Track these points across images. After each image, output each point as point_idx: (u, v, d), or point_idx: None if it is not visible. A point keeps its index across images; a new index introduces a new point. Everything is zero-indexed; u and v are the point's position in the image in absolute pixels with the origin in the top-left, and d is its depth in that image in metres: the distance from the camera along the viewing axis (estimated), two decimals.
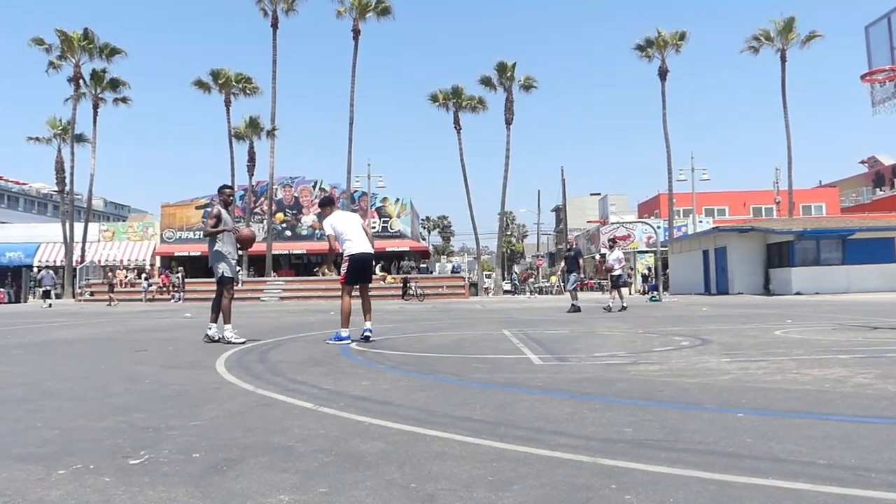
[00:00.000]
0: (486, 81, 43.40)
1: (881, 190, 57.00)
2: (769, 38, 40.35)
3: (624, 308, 16.69)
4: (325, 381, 4.96)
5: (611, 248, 18.72)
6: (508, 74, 42.78)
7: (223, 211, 8.64)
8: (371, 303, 8.40)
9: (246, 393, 4.47)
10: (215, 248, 8.50)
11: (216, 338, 8.42)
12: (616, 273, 17.48)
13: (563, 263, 17.62)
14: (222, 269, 8.46)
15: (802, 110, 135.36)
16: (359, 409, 3.80)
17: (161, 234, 49.08)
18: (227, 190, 8.93)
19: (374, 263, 8.69)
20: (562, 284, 18.64)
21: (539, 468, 2.57)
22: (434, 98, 44.13)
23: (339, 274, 8.27)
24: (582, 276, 17.27)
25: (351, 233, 8.10)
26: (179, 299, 34.69)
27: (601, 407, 3.77)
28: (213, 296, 8.59)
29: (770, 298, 24.19)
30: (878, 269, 27.62)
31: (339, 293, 8.30)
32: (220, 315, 8.46)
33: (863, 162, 65.99)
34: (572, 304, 16.39)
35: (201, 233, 48.05)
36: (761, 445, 2.83)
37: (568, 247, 18.09)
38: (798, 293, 26.50)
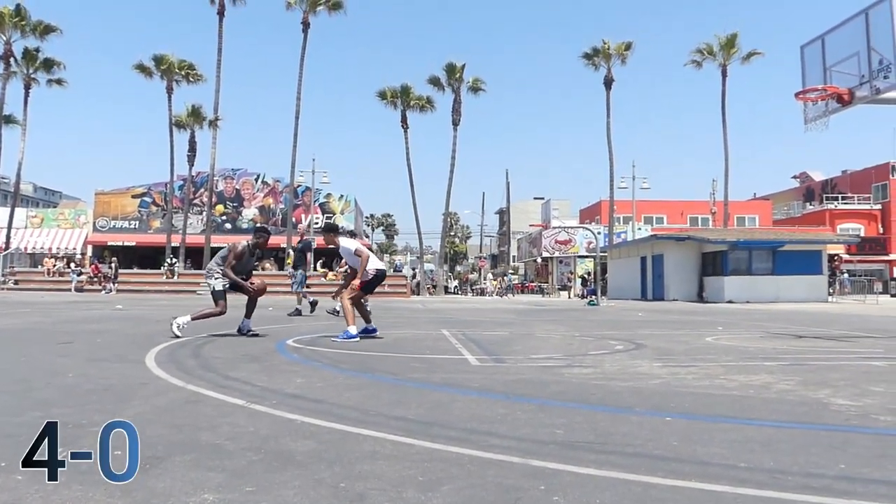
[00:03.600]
0: (434, 81, 43.44)
1: (811, 204, 59.33)
2: (712, 53, 41.45)
3: (337, 312, 13.76)
4: (258, 377, 4.87)
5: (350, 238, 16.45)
6: (457, 76, 42.92)
7: (248, 253, 8.77)
8: None
9: (175, 389, 4.35)
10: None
11: (245, 330, 8.58)
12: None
13: (291, 259, 15.14)
14: (213, 284, 8.63)
15: (740, 125, 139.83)
16: (291, 406, 3.74)
17: (94, 223, 47.47)
18: (266, 237, 9.01)
19: None
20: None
21: (470, 469, 2.57)
22: (382, 95, 43.94)
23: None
24: (309, 272, 14.98)
25: (370, 253, 8.70)
26: (111, 290, 33.62)
27: (534, 408, 3.81)
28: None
29: (703, 305, 24.90)
30: (806, 280, 28.73)
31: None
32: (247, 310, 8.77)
33: (795, 177, 68.59)
34: (300, 308, 14.35)
35: (137, 222, 46.76)
36: (686, 448, 2.90)
37: (300, 239, 15.61)
38: (730, 301, 27.34)
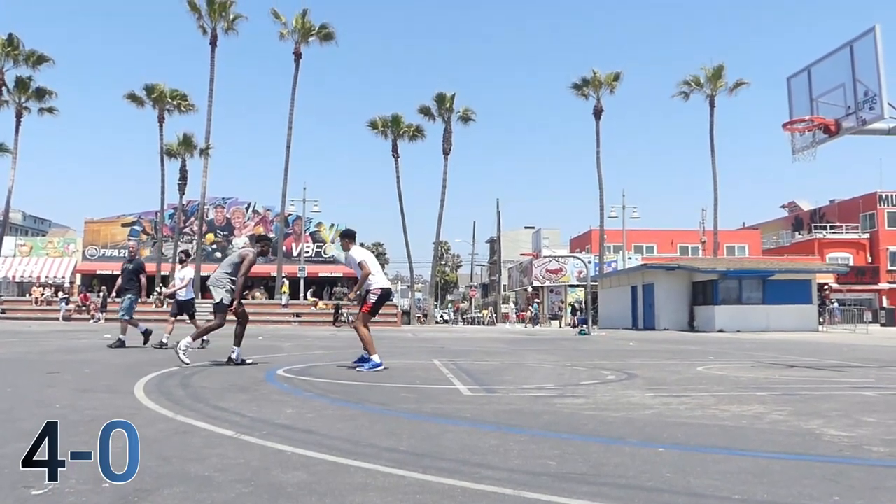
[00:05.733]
0: (425, 111, 43.79)
1: (800, 234, 59.74)
2: (699, 84, 42.05)
3: (206, 342, 12.06)
4: (248, 408, 4.82)
5: (181, 262, 13.35)
6: (448, 105, 43.28)
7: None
8: None
9: (164, 419, 4.30)
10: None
11: (238, 360, 8.43)
12: (187, 298, 12.81)
13: (119, 281, 12.62)
14: (220, 296, 8.53)
15: (728, 154, 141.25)
16: (282, 437, 3.70)
17: (83, 251, 47.20)
18: (268, 244, 9.48)
19: None
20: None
21: (462, 501, 2.55)
22: (373, 125, 44.23)
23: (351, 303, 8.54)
24: (141, 298, 12.51)
25: (377, 268, 8.42)
26: (99, 319, 33.33)
27: (526, 439, 3.78)
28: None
29: (694, 335, 24.91)
30: (796, 309, 28.83)
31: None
32: (235, 338, 8.63)
33: (783, 206, 69.19)
34: (118, 338, 11.98)
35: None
36: (680, 480, 2.88)
37: (129, 256, 12.90)
38: (721, 330, 27.37)
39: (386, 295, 8.42)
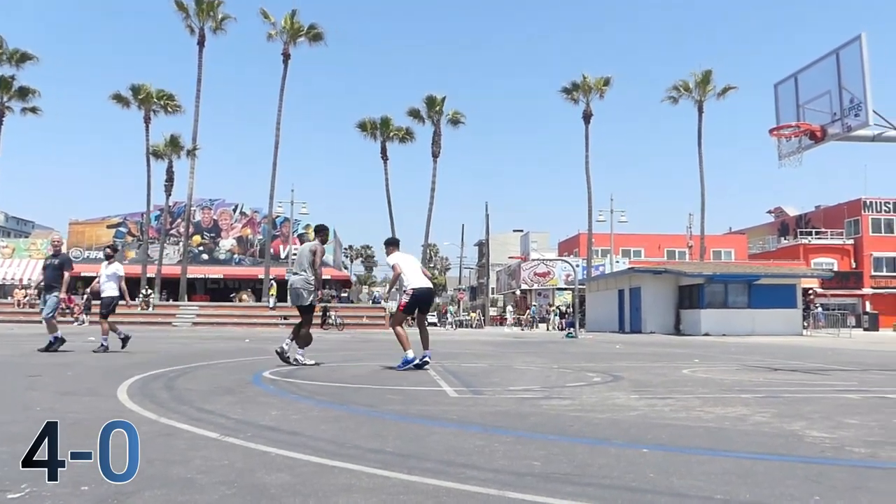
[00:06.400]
0: (414, 114, 43.83)
1: (786, 239, 60.21)
2: (688, 90, 42.39)
3: (104, 348, 11.33)
4: (233, 410, 4.80)
5: (108, 259, 12.50)
6: (437, 108, 43.34)
7: None
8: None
9: (148, 422, 4.27)
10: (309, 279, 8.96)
11: (286, 355, 8.67)
12: (109, 295, 11.88)
13: (41, 278, 11.89)
14: (312, 298, 8.99)
15: (716, 159, 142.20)
16: (266, 439, 3.68)
17: (67, 253, 46.78)
18: (327, 233, 9.65)
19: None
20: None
21: (447, 501, 2.54)
22: (362, 126, 44.23)
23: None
24: (65, 296, 11.74)
25: (414, 270, 8.66)
26: (83, 322, 33.06)
27: (512, 440, 3.78)
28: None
29: (680, 338, 25.02)
30: (781, 313, 29.05)
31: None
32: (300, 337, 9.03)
33: (770, 212, 69.72)
34: (51, 339, 11.28)
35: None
36: (663, 480, 2.89)
37: (53, 251, 11.96)
38: (707, 334, 27.51)
39: (422, 295, 8.54)
